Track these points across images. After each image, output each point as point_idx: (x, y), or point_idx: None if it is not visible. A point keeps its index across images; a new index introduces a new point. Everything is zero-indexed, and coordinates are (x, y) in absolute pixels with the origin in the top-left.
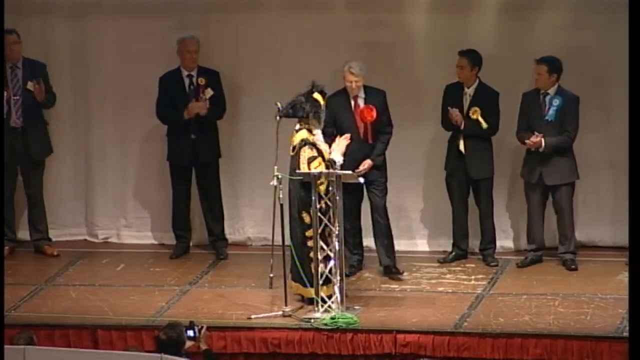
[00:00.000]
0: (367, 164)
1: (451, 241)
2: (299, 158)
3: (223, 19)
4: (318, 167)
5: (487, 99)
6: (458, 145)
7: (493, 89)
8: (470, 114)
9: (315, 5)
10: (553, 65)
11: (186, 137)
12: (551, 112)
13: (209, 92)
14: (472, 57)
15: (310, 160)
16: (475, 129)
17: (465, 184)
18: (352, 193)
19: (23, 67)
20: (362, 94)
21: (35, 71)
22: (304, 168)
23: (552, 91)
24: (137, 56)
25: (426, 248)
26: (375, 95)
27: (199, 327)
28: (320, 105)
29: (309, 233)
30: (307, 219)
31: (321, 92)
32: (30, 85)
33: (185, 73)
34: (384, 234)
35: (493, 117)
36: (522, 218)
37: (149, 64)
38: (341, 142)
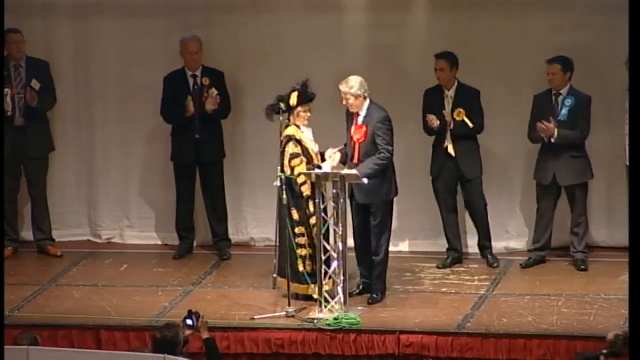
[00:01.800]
0: (337, 154)
1: (461, 244)
2: (283, 153)
3: (226, 20)
4: (299, 165)
5: (469, 98)
6: (446, 148)
7: (473, 88)
8: (455, 116)
9: (319, 6)
10: (566, 64)
11: (190, 136)
12: (564, 111)
13: (213, 92)
14: (451, 59)
15: (292, 157)
16: (462, 130)
17: (453, 185)
18: (360, 213)
19: (26, 66)
20: (363, 112)
21: (38, 70)
22: (286, 164)
23: (564, 91)
24: (140, 56)
25: (429, 249)
26: (374, 116)
27: (197, 315)
28: (288, 105)
29: (298, 230)
30: (295, 215)
31: (299, 92)
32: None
33: (189, 73)
34: (376, 275)
35: (477, 116)
36: (527, 218)
37: (152, 64)
38: (334, 157)
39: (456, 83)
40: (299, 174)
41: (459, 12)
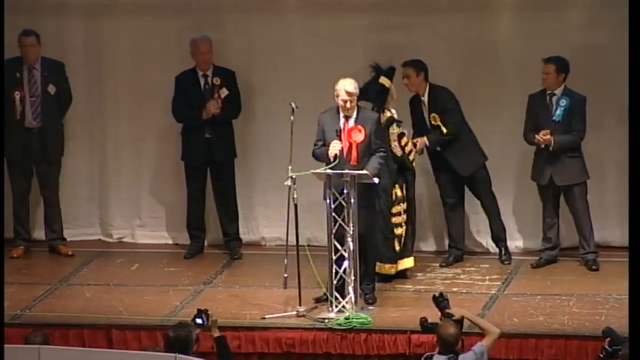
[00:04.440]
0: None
1: (464, 242)
2: (388, 136)
3: (238, 19)
4: (407, 143)
5: (441, 99)
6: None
7: (444, 89)
8: (432, 121)
9: (331, 6)
10: (561, 65)
11: (201, 136)
12: (558, 112)
13: (224, 92)
14: (416, 65)
15: (401, 136)
16: (441, 139)
17: (454, 182)
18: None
19: (41, 68)
20: (354, 114)
21: (53, 72)
22: (395, 145)
23: (558, 91)
24: (152, 56)
25: (441, 248)
26: (368, 117)
27: (207, 313)
28: (385, 88)
29: (395, 209)
30: (398, 193)
31: (387, 74)
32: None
33: (200, 72)
34: (368, 275)
35: (450, 115)
36: (536, 218)
37: (164, 64)
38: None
39: (427, 87)
40: (314, 173)
41: (470, 13)
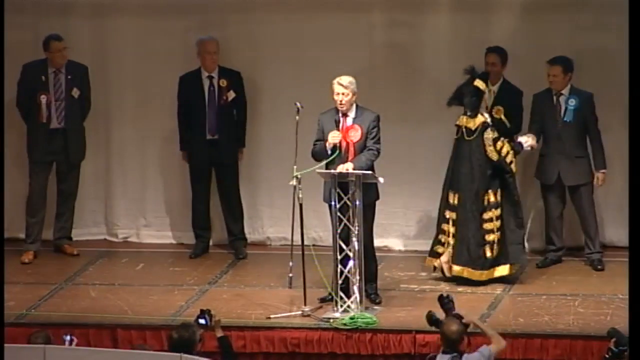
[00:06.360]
0: (346, 167)
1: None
2: (482, 141)
3: (242, 20)
4: (502, 147)
5: (510, 97)
6: None
7: (516, 88)
8: (494, 114)
9: (335, 5)
10: (567, 65)
11: (205, 137)
12: (569, 113)
13: (232, 95)
14: (501, 53)
15: (495, 140)
16: (500, 129)
17: None
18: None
19: (66, 71)
20: (352, 114)
21: (77, 75)
22: (490, 150)
23: (565, 91)
24: (157, 56)
25: None
26: (366, 116)
27: (210, 313)
28: (481, 92)
29: (487, 215)
30: (492, 197)
31: (482, 77)
32: None
33: (205, 74)
34: (371, 275)
35: (516, 116)
36: (541, 218)
37: (169, 64)
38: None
39: (501, 80)
40: (319, 174)
41: (477, 13)
